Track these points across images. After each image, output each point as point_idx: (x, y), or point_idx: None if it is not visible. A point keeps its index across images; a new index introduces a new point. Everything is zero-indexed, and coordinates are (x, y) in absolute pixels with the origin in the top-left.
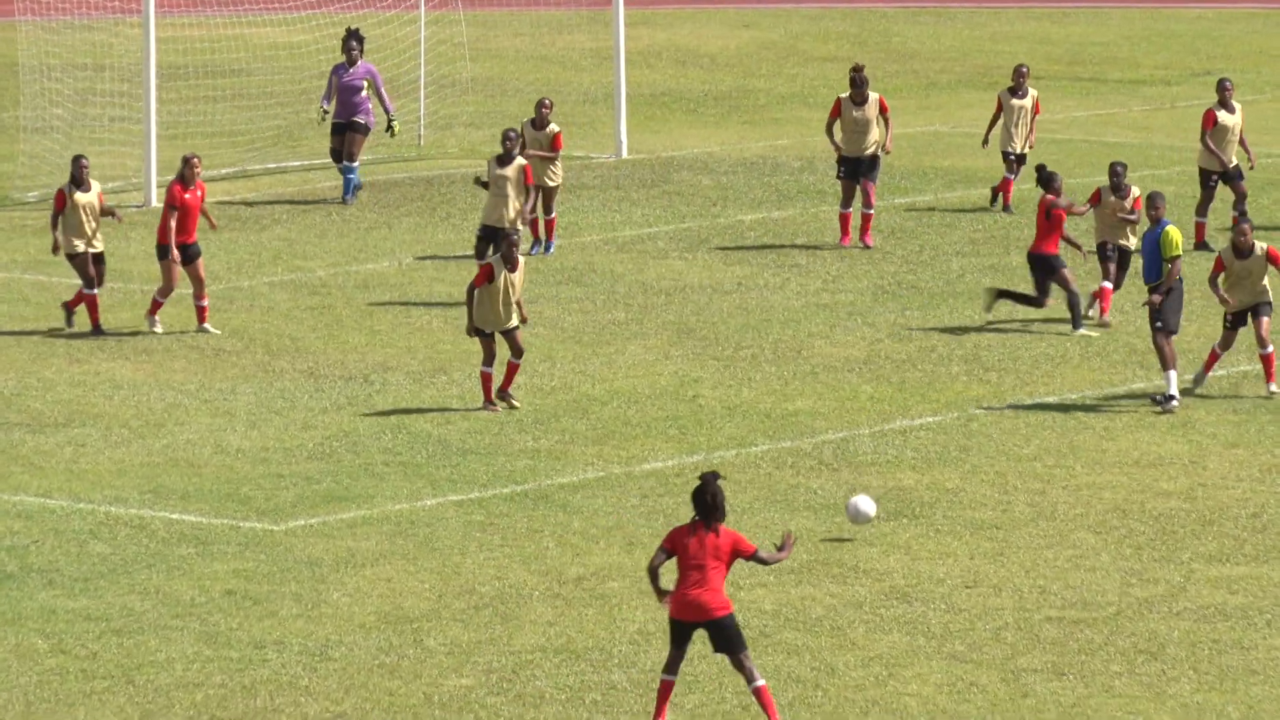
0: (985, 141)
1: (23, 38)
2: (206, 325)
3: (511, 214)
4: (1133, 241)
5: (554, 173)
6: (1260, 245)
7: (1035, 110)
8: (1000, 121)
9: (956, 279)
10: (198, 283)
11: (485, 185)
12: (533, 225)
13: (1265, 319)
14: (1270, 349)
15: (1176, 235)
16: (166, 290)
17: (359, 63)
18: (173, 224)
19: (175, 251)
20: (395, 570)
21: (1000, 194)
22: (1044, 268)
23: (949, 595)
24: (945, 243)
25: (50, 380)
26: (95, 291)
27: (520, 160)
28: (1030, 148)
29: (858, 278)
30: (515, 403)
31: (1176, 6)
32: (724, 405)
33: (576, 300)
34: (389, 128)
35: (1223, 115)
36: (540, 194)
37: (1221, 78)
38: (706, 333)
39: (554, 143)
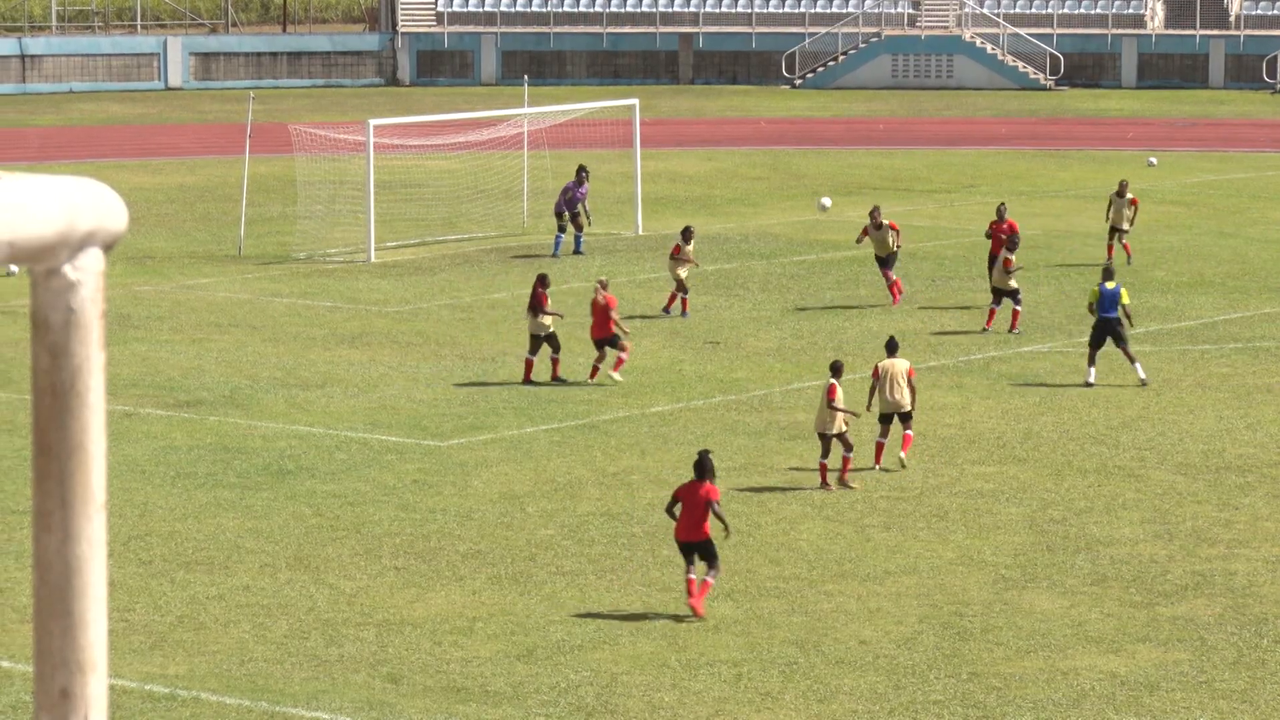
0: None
1: (299, 165)
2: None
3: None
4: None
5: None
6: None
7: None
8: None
9: (829, 304)
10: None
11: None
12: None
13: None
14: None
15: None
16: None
17: (584, 184)
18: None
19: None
20: (508, 469)
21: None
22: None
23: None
24: (821, 285)
25: (313, 360)
26: (533, 357)
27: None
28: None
29: (771, 304)
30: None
31: (954, 149)
32: (696, 375)
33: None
34: (587, 217)
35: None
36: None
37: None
38: (687, 334)
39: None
